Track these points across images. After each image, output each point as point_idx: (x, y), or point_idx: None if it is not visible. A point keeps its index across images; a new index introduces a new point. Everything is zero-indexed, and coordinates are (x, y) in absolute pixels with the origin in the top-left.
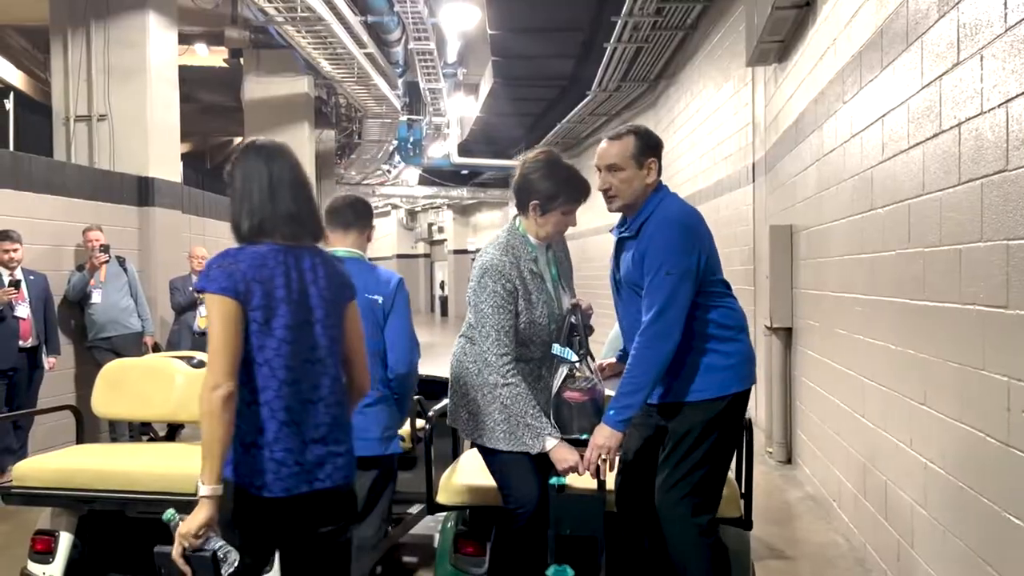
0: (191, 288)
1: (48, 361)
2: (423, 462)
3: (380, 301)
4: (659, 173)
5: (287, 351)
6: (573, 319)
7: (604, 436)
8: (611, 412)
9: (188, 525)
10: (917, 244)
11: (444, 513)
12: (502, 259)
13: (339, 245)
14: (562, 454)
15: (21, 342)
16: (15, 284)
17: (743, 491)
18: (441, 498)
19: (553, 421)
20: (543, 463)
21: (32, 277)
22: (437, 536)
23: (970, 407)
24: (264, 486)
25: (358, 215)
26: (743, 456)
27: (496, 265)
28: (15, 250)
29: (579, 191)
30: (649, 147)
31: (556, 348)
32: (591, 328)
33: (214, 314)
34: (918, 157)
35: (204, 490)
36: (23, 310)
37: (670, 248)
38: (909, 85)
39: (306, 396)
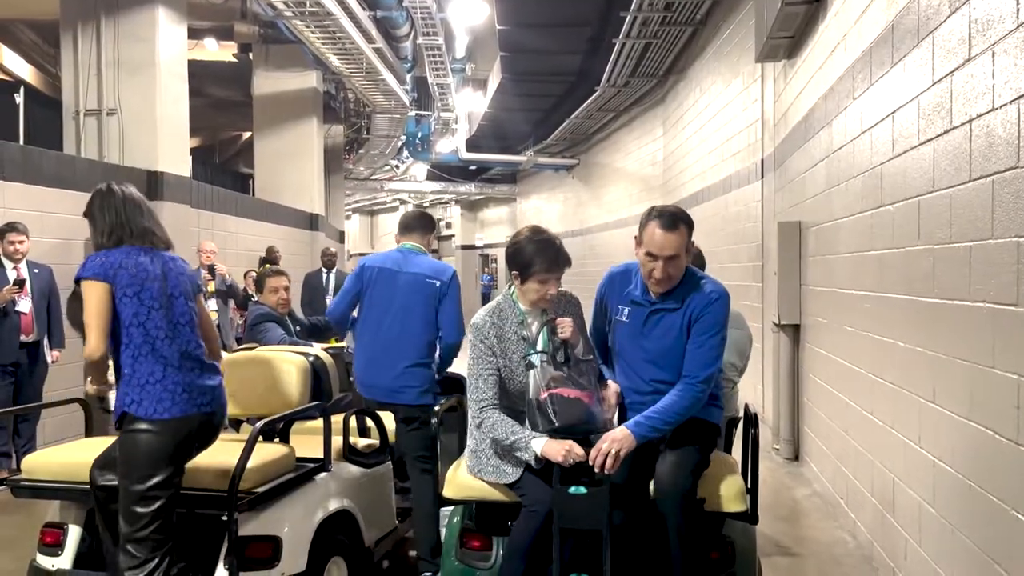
0: (197, 281)
1: (52, 354)
2: None
3: (437, 284)
4: None
5: (158, 316)
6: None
7: (623, 435)
8: (641, 420)
9: (91, 388)
10: (927, 241)
11: (451, 508)
12: (485, 319)
13: (408, 241)
14: (553, 448)
15: (23, 336)
16: (20, 283)
17: (749, 486)
18: (447, 492)
19: (535, 419)
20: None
21: (36, 270)
22: (443, 531)
23: (979, 405)
24: (166, 410)
25: (421, 224)
26: (749, 452)
27: (478, 324)
28: (21, 242)
29: (552, 261)
30: (691, 230)
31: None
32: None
33: (88, 295)
34: (928, 154)
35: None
36: (24, 304)
37: (725, 317)
38: (920, 81)
39: (183, 348)
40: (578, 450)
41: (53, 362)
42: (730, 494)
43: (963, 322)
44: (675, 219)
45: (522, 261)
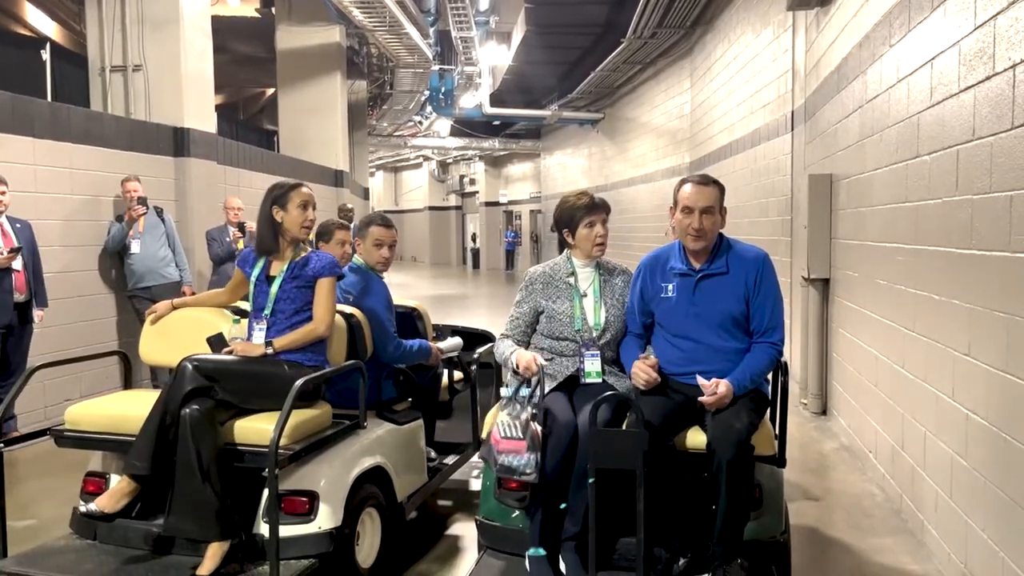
0: (227, 239)
1: (37, 314)
2: (458, 412)
3: (351, 299)
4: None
5: None
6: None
7: (728, 389)
8: (741, 380)
9: (244, 347)
10: (965, 191)
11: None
12: (536, 269)
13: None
14: (522, 358)
15: (17, 295)
16: (16, 251)
17: (777, 432)
18: (485, 435)
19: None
20: (576, 399)
21: (18, 225)
22: (472, 481)
23: (1016, 357)
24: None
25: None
26: (779, 399)
27: (532, 271)
28: (3, 192)
29: (589, 206)
30: (724, 198)
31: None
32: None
33: (332, 290)
34: (969, 101)
35: (270, 347)
36: (17, 262)
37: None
38: (961, 26)
39: None
40: (534, 367)
41: (38, 322)
42: (760, 439)
43: (1002, 273)
44: (706, 177)
45: (568, 216)
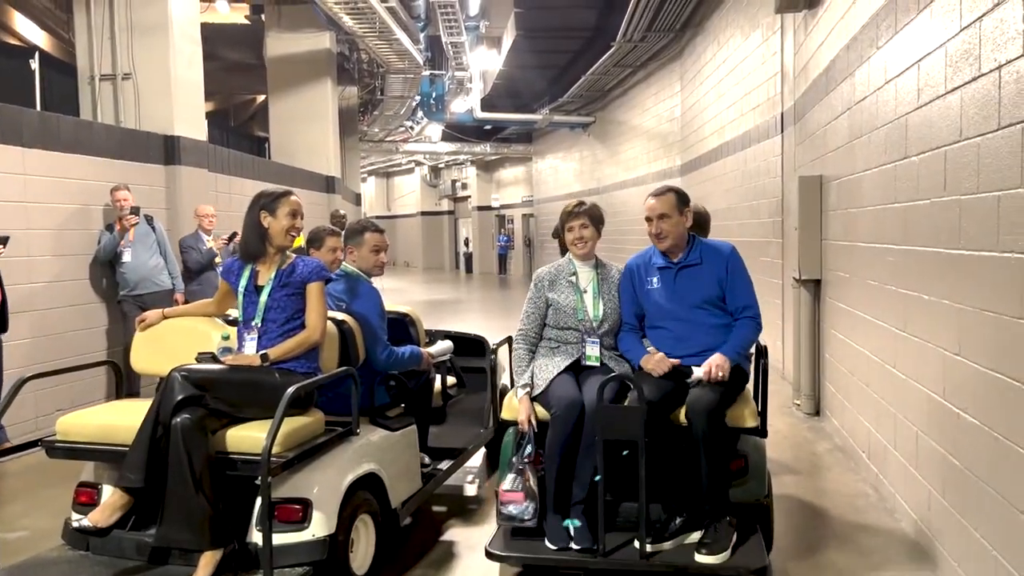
0: (203, 247)
1: None
2: (452, 417)
3: (344, 307)
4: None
5: None
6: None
7: (723, 360)
8: (734, 353)
9: (239, 360)
10: (953, 192)
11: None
12: (543, 269)
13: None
14: (522, 409)
15: None
16: (3, 240)
17: (760, 407)
18: (504, 415)
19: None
20: (581, 379)
21: None
22: (467, 486)
23: (1006, 356)
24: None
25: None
26: (760, 377)
27: (538, 272)
28: None
29: (568, 212)
30: (684, 200)
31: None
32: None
33: (322, 294)
34: (955, 102)
35: (267, 357)
36: None
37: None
38: (947, 28)
39: None
40: (525, 427)
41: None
42: (744, 413)
43: (990, 273)
44: (664, 188)
45: (559, 224)
